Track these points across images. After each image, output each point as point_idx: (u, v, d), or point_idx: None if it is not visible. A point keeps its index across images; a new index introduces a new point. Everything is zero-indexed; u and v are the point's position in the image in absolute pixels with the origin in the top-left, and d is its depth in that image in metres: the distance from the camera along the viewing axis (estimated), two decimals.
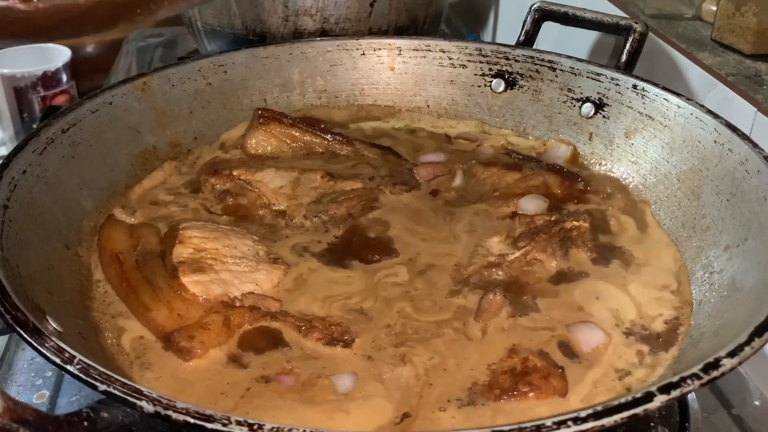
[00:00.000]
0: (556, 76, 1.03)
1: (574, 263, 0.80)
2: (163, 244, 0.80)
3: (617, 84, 0.97)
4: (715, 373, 0.54)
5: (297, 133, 1.00)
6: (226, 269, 0.76)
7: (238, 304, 0.74)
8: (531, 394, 0.64)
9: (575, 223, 0.82)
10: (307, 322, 0.71)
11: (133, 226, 0.84)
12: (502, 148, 1.02)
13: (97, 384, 0.52)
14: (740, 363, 0.55)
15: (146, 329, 0.71)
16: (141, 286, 0.75)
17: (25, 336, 0.57)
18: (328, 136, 1.00)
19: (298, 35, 1.24)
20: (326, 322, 0.71)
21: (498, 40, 1.60)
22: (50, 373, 0.81)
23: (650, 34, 1.05)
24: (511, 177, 0.91)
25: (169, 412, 0.50)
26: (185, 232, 0.80)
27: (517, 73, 1.06)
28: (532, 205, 0.87)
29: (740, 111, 0.94)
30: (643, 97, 0.94)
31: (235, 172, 0.92)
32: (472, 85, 1.08)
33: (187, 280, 0.74)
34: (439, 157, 1.00)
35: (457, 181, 0.94)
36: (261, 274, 0.77)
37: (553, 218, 0.83)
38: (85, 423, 0.52)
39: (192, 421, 0.49)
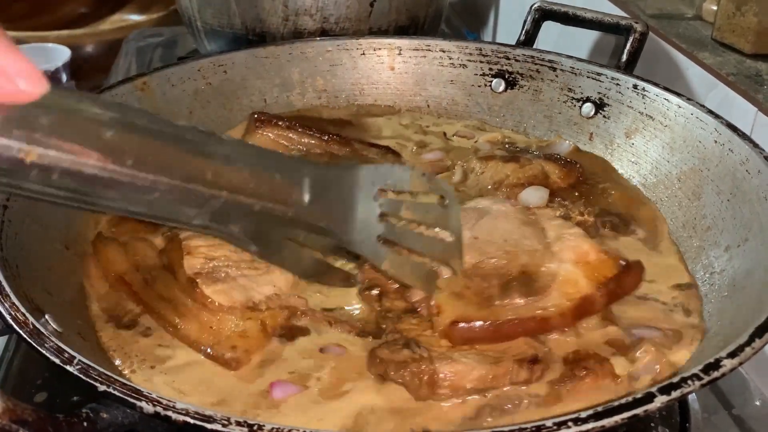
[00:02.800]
0: (557, 75, 1.03)
1: None
2: (165, 257, 0.77)
3: (618, 84, 0.97)
4: (715, 374, 0.54)
5: (294, 136, 0.99)
6: (242, 275, 0.74)
7: (263, 307, 0.72)
8: (587, 379, 0.63)
9: (580, 218, 0.81)
10: (333, 317, 0.72)
11: (125, 244, 0.79)
12: (499, 142, 1.02)
13: (97, 384, 0.52)
14: (741, 364, 0.55)
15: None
16: (160, 304, 0.72)
17: (25, 336, 0.57)
18: (325, 138, 0.99)
19: (297, 35, 1.24)
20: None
21: (498, 40, 1.59)
22: (50, 374, 0.81)
23: (651, 33, 1.04)
24: (509, 168, 0.91)
25: (169, 413, 0.50)
26: (189, 242, 0.76)
27: (518, 73, 1.05)
28: (532, 197, 0.86)
29: (741, 111, 0.94)
30: (643, 97, 0.94)
31: None
32: (473, 85, 1.08)
33: (210, 290, 0.71)
34: (436, 155, 1.00)
35: (457, 176, 0.93)
36: (275, 274, 0.75)
37: (557, 214, 0.82)
38: (85, 423, 0.51)
39: (192, 421, 0.49)
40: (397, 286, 0.73)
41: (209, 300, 0.71)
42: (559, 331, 0.68)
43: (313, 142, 0.99)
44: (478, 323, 0.65)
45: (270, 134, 0.98)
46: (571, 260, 0.71)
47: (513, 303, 0.67)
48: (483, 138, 1.04)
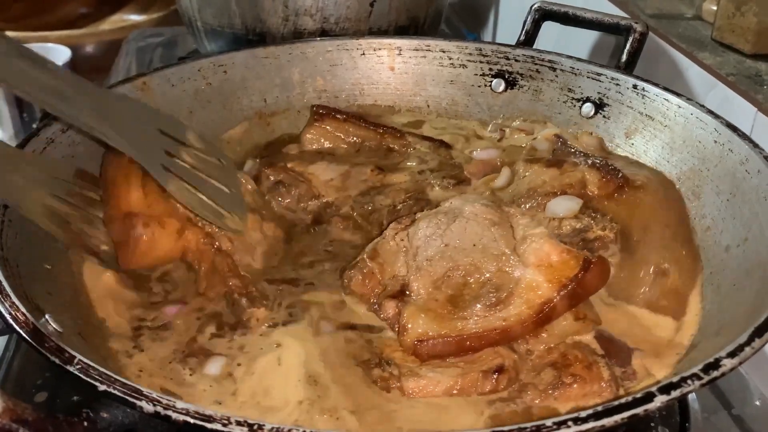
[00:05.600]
0: (557, 76, 1.03)
1: None
2: None
3: (617, 84, 0.97)
4: (715, 374, 0.54)
5: (351, 128, 1.01)
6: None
7: (200, 224, 0.77)
8: (575, 385, 0.64)
9: (600, 233, 0.79)
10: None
11: None
12: (555, 140, 0.97)
13: (97, 384, 0.52)
14: (740, 363, 0.55)
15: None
16: (134, 171, 0.79)
17: (25, 336, 0.57)
18: (381, 130, 1.01)
19: (298, 35, 1.24)
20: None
21: (498, 40, 1.60)
22: (50, 374, 0.81)
23: (650, 34, 1.04)
24: (549, 174, 0.87)
25: (169, 412, 0.50)
26: None
27: (518, 73, 1.05)
28: (561, 207, 0.82)
29: (740, 111, 0.94)
30: (643, 97, 0.94)
31: (289, 165, 0.93)
32: (473, 85, 1.08)
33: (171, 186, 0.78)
34: (489, 154, 0.99)
35: (500, 181, 0.91)
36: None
37: (578, 226, 0.80)
38: (85, 423, 0.52)
39: (192, 421, 0.49)
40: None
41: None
42: (533, 336, 0.68)
43: (368, 134, 1.01)
44: (441, 340, 0.66)
45: (328, 127, 1.00)
46: (534, 263, 0.70)
47: (476, 314, 0.68)
48: (542, 135, 0.98)
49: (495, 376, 0.64)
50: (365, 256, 0.76)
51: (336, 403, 0.63)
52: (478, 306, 0.68)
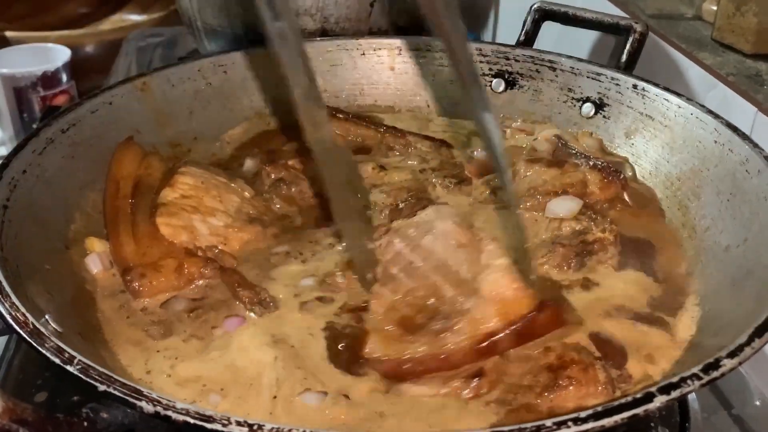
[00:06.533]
0: (557, 76, 1.03)
1: (589, 275, 0.77)
2: (163, 181, 0.85)
3: (617, 84, 0.97)
4: (715, 374, 0.54)
5: (352, 127, 1.01)
6: (202, 220, 0.80)
7: (200, 253, 0.77)
8: (571, 388, 0.63)
9: (600, 234, 0.79)
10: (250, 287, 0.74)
11: (147, 154, 0.89)
12: (555, 141, 0.96)
13: (97, 384, 0.52)
14: (740, 363, 0.55)
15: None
16: (123, 216, 0.79)
17: (25, 336, 0.57)
18: (382, 129, 1.01)
19: None
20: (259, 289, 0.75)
21: (498, 40, 1.60)
22: (50, 374, 0.81)
23: (650, 34, 1.04)
24: (550, 174, 0.87)
25: (169, 413, 0.50)
26: (179, 176, 0.84)
27: (517, 73, 1.05)
28: (561, 207, 0.82)
29: (740, 111, 0.94)
30: (643, 97, 0.94)
31: (290, 162, 0.93)
32: None
33: (161, 221, 0.78)
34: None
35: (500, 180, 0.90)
36: (232, 231, 0.81)
37: (578, 228, 0.80)
38: (85, 423, 0.52)
39: (192, 421, 0.49)
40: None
41: (158, 229, 0.78)
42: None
43: (368, 133, 1.01)
44: (385, 361, 0.66)
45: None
46: (488, 294, 0.68)
47: (422, 339, 0.66)
48: (542, 135, 0.98)
49: (475, 381, 0.63)
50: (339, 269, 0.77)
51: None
52: (426, 331, 0.67)
